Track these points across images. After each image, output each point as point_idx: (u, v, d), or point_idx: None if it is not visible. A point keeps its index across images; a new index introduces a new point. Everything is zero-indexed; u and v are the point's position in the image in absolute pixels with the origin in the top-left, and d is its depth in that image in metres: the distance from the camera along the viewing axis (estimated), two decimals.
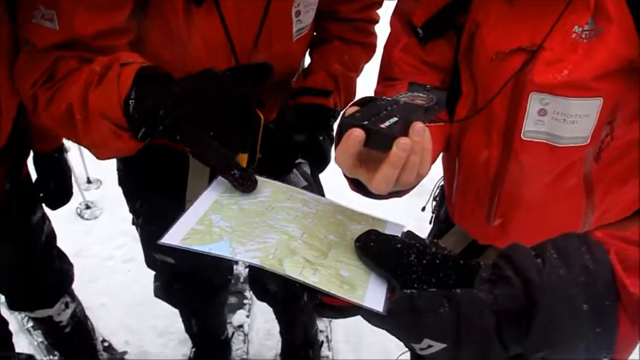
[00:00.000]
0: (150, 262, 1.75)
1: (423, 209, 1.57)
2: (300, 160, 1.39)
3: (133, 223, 1.65)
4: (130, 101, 0.96)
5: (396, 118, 0.74)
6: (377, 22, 1.51)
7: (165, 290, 1.87)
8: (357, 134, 0.71)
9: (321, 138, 1.39)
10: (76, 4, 1.03)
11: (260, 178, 0.93)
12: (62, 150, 1.66)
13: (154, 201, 1.53)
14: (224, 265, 1.96)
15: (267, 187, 0.93)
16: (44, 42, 1.06)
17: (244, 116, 0.93)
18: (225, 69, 0.97)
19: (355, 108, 0.79)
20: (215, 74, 0.94)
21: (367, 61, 1.54)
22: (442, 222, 1.45)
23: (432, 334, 0.67)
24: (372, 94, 1.21)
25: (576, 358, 0.67)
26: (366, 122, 0.72)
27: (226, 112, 0.91)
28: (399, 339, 0.73)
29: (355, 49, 1.49)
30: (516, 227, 1.19)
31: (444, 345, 0.67)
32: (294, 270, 0.71)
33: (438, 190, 1.53)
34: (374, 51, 1.54)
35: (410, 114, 0.76)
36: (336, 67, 1.44)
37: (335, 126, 1.35)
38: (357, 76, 1.53)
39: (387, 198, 0.88)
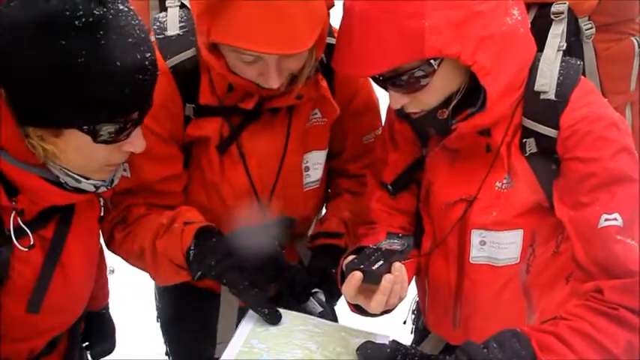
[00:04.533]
0: None
1: (404, 322, 1.89)
2: (316, 290, 1.59)
3: (166, 354, 1.92)
4: (191, 251, 1.34)
5: (382, 261, 1.11)
6: None
7: None
8: (357, 275, 1.09)
9: (334, 271, 1.64)
10: (144, 158, 1.39)
11: (280, 310, 1.28)
12: (108, 308, 1.75)
13: (186, 337, 1.81)
14: None
15: (287, 316, 1.28)
16: (119, 187, 1.42)
17: (274, 267, 1.32)
18: (257, 226, 1.39)
19: (352, 256, 1.17)
20: (251, 234, 1.34)
21: None
22: (421, 331, 1.78)
23: None
24: None
25: None
26: (362, 266, 1.10)
27: (259, 265, 1.32)
28: None
29: (361, 200, 1.79)
30: (475, 329, 1.49)
31: None
32: None
33: (415, 305, 1.86)
34: None
35: (390, 256, 1.14)
36: (347, 215, 1.76)
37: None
38: None
39: (379, 315, 1.22)
